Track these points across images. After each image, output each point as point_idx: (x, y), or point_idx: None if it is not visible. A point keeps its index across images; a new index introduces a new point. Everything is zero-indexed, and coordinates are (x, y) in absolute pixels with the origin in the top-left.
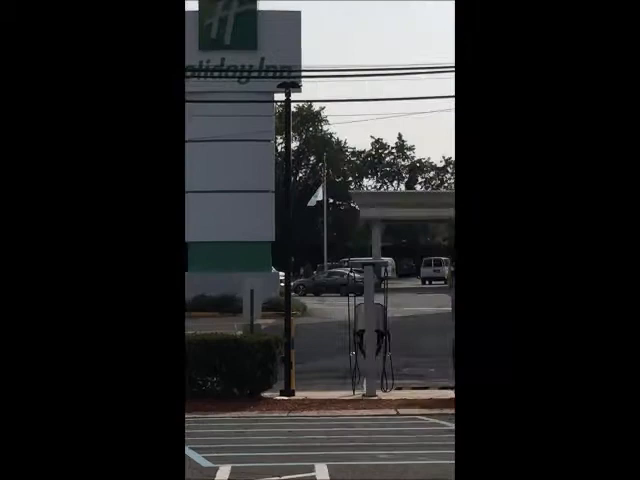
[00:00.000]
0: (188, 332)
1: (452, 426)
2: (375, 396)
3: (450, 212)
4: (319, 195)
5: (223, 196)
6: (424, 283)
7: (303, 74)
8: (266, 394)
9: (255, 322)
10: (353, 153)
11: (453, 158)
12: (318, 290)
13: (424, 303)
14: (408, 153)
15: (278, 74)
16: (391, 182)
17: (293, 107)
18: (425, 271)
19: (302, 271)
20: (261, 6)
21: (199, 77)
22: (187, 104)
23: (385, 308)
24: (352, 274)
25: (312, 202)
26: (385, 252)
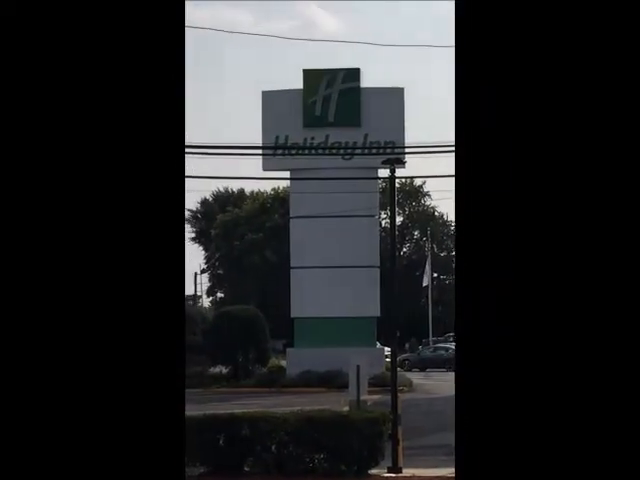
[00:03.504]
0: (294, 408)
1: None
2: None
3: None
4: (428, 271)
5: (328, 271)
6: None
7: (407, 150)
8: (373, 471)
9: (361, 398)
10: None
11: None
12: (423, 365)
13: None
14: None
15: (382, 150)
16: None
17: (397, 183)
18: None
19: (407, 346)
20: (364, 83)
21: (304, 154)
22: (292, 181)
23: None
24: None
25: (425, 281)
26: None
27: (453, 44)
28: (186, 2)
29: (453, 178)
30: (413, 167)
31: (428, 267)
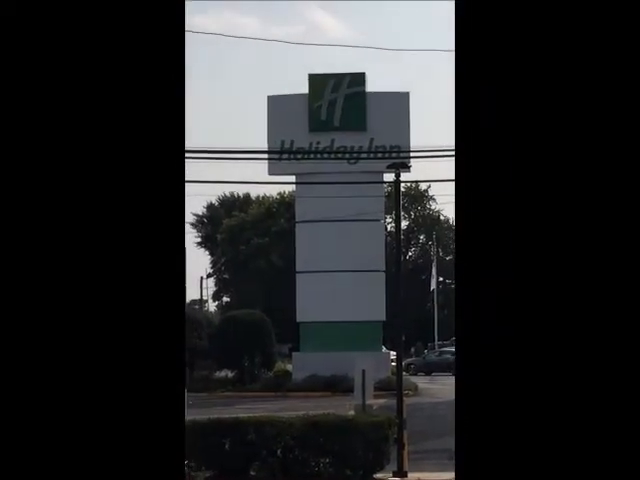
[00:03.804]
0: (300, 412)
1: None
2: None
3: None
4: (434, 275)
5: (334, 276)
6: None
7: (412, 154)
8: (379, 475)
9: (367, 402)
10: None
11: None
12: (429, 369)
13: None
14: None
15: (387, 155)
16: None
17: (402, 187)
18: None
19: (413, 350)
20: (370, 87)
21: (309, 158)
22: (298, 185)
23: None
24: None
25: (433, 284)
26: None
27: (454, 51)
28: (191, 7)
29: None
30: (418, 171)
31: (434, 271)
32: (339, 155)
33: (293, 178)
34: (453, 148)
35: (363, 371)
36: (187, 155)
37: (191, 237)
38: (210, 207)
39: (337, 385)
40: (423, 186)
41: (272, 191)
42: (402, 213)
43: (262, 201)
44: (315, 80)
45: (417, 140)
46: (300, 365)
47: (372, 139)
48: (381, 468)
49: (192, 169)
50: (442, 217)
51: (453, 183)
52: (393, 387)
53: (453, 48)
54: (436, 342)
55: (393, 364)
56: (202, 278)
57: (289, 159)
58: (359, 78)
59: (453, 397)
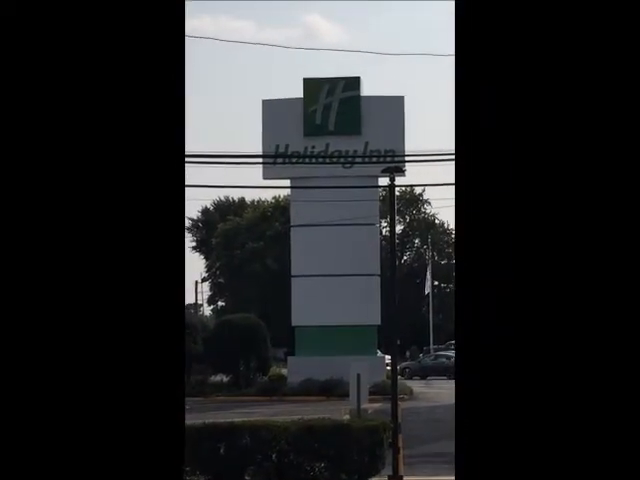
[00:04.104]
0: (295, 417)
1: None
2: None
3: None
4: (429, 279)
5: (329, 280)
6: None
7: (407, 158)
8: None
9: (362, 406)
10: None
11: None
12: (424, 373)
13: None
14: None
15: (382, 159)
16: None
17: (397, 191)
18: None
19: (408, 354)
20: (364, 92)
21: (304, 163)
22: (292, 190)
23: None
24: None
25: (428, 288)
26: None
27: (454, 51)
28: (187, 10)
29: (453, 186)
30: (413, 175)
31: (429, 275)
32: (334, 159)
33: (288, 182)
34: (448, 152)
35: (358, 375)
36: None
37: (186, 241)
38: (205, 211)
39: (332, 389)
40: (418, 190)
41: (267, 195)
42: (397, 217)
43: (257, 205)
44: (310, 84)
45: (412, 144)
46: (295, 369)
47: (367, 143)
48: (376, 472)
49: (187, 173)
50: (437, 221)
51: (448, 187)
52: (388, 391)
53: (448, 52)
54: (431, 346)
55: (388, 368)
56: (197, 282)
57: (284, 163)
58: (354, 82)
59: (448, 401)
